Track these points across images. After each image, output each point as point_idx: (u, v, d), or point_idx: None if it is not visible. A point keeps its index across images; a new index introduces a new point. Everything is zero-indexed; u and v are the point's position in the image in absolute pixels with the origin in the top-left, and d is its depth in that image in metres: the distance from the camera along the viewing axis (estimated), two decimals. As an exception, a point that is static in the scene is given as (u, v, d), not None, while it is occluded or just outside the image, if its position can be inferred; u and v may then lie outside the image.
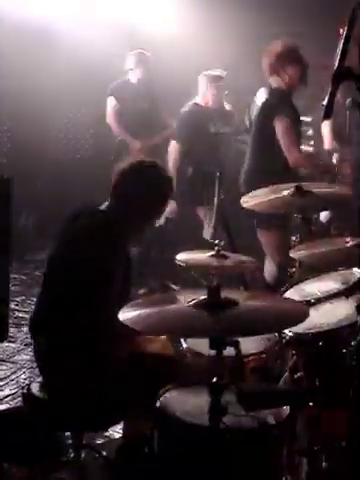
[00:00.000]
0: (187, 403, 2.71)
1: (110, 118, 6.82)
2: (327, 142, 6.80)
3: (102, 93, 6.88)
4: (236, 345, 2.30)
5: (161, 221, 6.36)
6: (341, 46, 2.44)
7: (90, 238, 3.08)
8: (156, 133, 6.73)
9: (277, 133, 4.83)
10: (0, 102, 7.39)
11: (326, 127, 6.67)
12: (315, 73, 5.28)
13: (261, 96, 5.36)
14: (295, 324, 2.46)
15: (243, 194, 3.80)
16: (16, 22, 6.95)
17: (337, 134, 6.64)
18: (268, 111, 4.96)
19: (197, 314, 2.34)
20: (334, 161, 6.67)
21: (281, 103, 4.91)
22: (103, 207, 3.24)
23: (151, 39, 7.10)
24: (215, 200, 4.06)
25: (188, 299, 2.44)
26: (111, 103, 6.82)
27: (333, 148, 6.74)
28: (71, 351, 3.04)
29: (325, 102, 2.48)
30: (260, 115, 5.05)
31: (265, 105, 5.05)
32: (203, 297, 2.40)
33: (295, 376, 3.21)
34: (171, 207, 6.31)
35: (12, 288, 5.72)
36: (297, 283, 3.43)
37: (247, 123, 5.39)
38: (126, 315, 2.45)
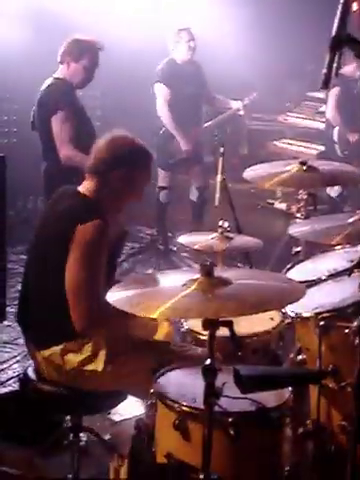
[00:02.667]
0: (184, 386, 2.66)
1: (163, 109, 6.16)
2: (328, 112, 6.70)
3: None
4: (230, 326, 2.20)
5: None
6: (340, 11, 2.32)
7: (71, 222, 2.96)
8: (203, 120, 6.42)
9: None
10: (9, 82, 7.29)
11: (332, 97, 6.58)
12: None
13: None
14: (290, 303, 2.37)
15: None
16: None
17: (344, 106, 6.54)
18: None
19: (189, 294, 2.25)
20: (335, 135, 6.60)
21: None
22: (82, 188, 3.13)
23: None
24: (218, 177, 3.96)
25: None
26: (162, 91, 6.16)
27: (333, 118, 6.65)
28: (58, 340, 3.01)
29: (323, 70, 2.37)
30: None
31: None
32: (196, 277, 2.32)
33: (298, 357, 3.14)
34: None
35: (19, 269, 5.68)
36: (301, 261, 3.33)
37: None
38: (117, 296, 2.38)
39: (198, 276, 2.31)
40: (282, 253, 6.06)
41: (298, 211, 3.68)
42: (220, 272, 2.34)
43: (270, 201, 7.84)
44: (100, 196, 3.08)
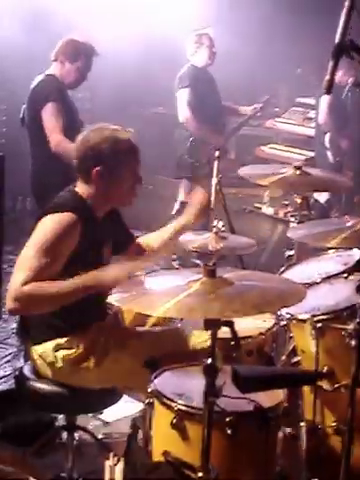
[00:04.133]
0: (181, 385, 2.68)
1: (187, 113, 5.97)
2: (321, 117, 6.75)
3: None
4: (231, 325, 2.23)
5: (176, 206, 6.27)
6: (343, 18, 2.36)
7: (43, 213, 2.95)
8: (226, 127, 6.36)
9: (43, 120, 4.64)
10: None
11: (324, 102, 6.63)
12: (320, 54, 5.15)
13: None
14: (291, 304, 2.40)
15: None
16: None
17: (335, 111, 6.59)
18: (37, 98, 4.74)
19: (192, 294, 2.28)
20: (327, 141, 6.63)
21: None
22: (77, 187, 3.08)
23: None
24: (213, 180, 3.99)
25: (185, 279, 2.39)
26: (186, 96, 5.95)
27: (325, 124, 6.69)
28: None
29: (327, 77, 2.41)
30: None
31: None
32: (198, 277, 2.34)
33: (293, 360, 3.18)
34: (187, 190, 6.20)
35: (8, 269, 5.68)
36: (295, 264, 3.37)
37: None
38: (118, 296, 2.40)
39: (200, 276, 2.34)
40: (270, 257, 6.12)
41: (286, 216, 3.73)
42: (222, 273, 2.37)
43: (257, 205, 7.88)
44: (90, 195, 3.04)
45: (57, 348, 3.00)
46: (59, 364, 3.00)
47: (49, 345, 3.00)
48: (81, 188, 3.08)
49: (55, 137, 4.57)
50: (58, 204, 2.99)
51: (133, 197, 3.12)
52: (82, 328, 3.01)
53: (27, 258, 2.81)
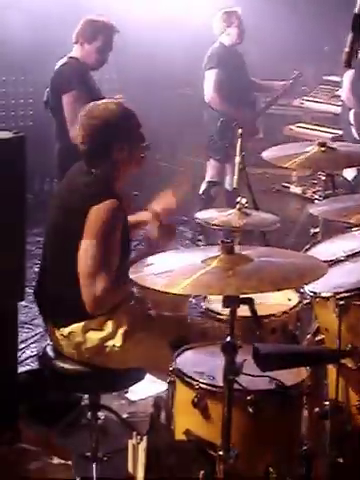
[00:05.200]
0: (203, 363, 2.67)
1: (213, 93, 5.98)
2: (343, 94, 6.65)
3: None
4: (250, 303, 2.21)
5: (203, 186, 6.24)
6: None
7: (85, 203, 2.96)
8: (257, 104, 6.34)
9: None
10: (25, 65, 7.26)
11: (346, 78, 6.52)
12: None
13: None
14: (310, 281, 2.37)
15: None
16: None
17: (357, 87, 6.47)
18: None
19: (210, 271, 2.26)
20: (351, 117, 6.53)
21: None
22: (91, 171, 3.09)
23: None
24: (237, 158, 3.95)
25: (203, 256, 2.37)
26: (213, 76, 5.97)
27: (348, 100, 6.58)
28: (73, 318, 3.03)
29: (346, 49, 2.36)
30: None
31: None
32: (216, 254, 2.32)
33: (317, 338, 3.15)
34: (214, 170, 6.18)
35: (35, 251, 5.71)
36: (319, 242, 3.33)
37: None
38: (137, 273, 2.39)
39: (219, 253, 2.31)
40: (298, 236, 6.07)
41: (314, 194, 3.67)
42: (241, 250, 2.35)
43: (286, 185, 7.82)
44: (108, 172, 3.06)
45: (86, 329, 3.02)
46: (87, 345, 3.02)
47: (78, 326, 3.02)
48: (98, 169, 3.08)
49: (73, 130, 4.56)
50: (94, 193, 2.99)
51: (142, 163, 3.16)
52: (110, 310, 3.02)
53: (95, 258, 2.88)
